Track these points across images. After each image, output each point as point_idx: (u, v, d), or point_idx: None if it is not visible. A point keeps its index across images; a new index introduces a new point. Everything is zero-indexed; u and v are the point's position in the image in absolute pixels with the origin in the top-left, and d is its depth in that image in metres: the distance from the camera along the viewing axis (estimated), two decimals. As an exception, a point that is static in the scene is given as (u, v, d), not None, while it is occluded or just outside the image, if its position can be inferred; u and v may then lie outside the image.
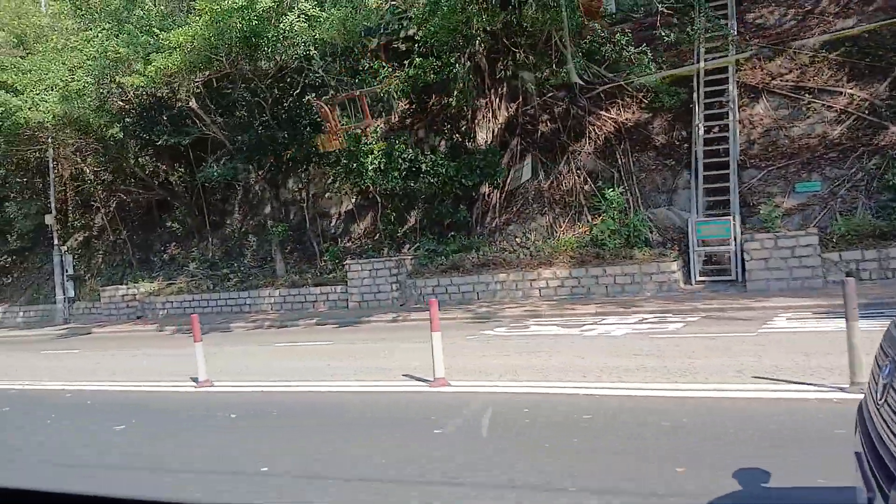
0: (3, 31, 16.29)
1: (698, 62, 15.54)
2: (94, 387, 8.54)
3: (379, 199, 18.03)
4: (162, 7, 14.48)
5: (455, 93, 17.27)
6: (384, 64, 16.59)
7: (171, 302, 19.87)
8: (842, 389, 5.07)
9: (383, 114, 19.55)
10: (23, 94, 16.21)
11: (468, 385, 6.40)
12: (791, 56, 15.91)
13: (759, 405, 5.02)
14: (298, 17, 12.21)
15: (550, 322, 11.48)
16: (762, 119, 15.45)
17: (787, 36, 16.18)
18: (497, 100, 18.05)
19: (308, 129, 16.64)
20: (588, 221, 15.52)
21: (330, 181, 20.66)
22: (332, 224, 20.27)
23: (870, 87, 14.42)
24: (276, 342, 12.18)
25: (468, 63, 16.98)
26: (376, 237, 18.97)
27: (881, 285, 11.31)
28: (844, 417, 3.35)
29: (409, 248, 17.64)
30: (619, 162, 15.91)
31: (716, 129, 15.27)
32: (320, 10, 12.68)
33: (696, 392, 5.49)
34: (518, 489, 3.69)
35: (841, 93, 14.58)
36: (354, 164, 15.91)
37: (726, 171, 14.39)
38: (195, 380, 8.12)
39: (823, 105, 14.69)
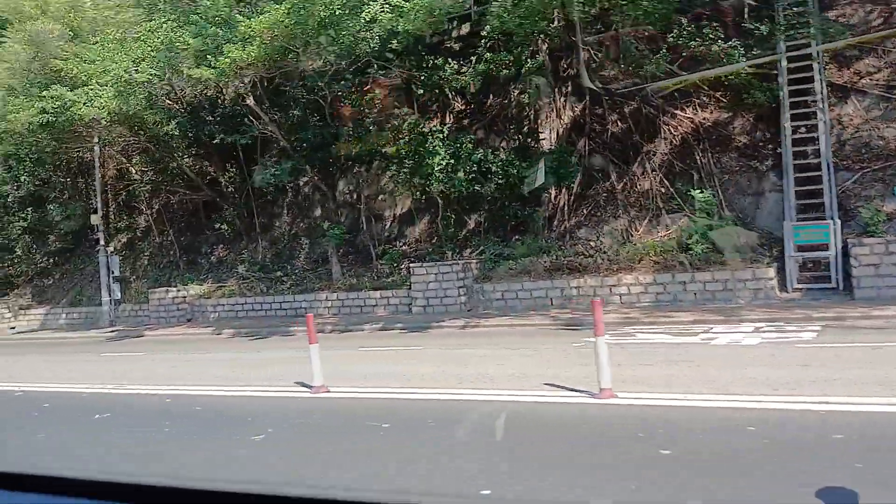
0: (59, 23, 15.90)
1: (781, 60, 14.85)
2: (195, 391, 7.97)
3: (440, 201, 17.43)
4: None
5: (524, 90, 16.71)
6: (449, 60, 16.02)
7: (223, 305, 19.37)
8: None
9: (438, 113, 19.02)
10: (78, 88, 15.83)
11: (643, 398, 5.74)
12: (879, 55, 15.19)
13: None
14: (382, 6, 11.67)
15: (651, 330, 10.79)
16: (852, 119, 14.72)
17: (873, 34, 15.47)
18: (562, 99, 17.46)
19: (373, 126, 16.10)
20: (668, 225, 14.84)
21: (384, 182, 20.16)
22: (386, 227, 19.70)
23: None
24: (360, 346, 11.57)
25: (533, 59, 16.40)
26: (434, 240, 18.37)
27: None
28: None
29: (472, 252, 17.02)
30: (699, 163, 15.24)
31: (802, 130, 14.54)
32: (405, -1, 12.10)
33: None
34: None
35: (941, 92, 13.85)
36: (419, 165, 15.32)
37: (817, 174, 13.67)
38: (305, 385, 7.54)
39: (921, 105, 13.97)
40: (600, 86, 16.41)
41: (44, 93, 15.20)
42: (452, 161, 14.90)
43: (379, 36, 12.88)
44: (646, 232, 15.13)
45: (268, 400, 7.17)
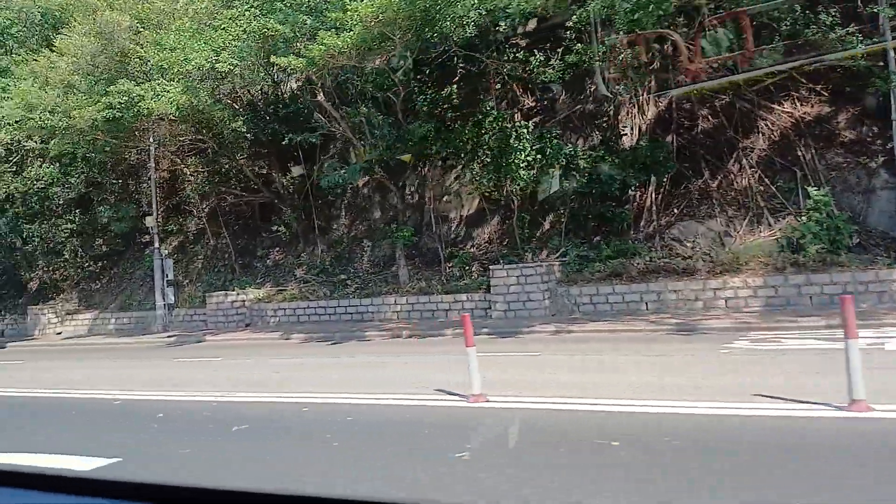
0: (129, 14, 15.32)
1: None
2: (330, 399, 7.18)
3: (515, 201, 16.62)
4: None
5: (605, 83, 15.91)
6: (534, 51, 15.25)
7: (284, 309, 18.65)
8: None
9: (507, 109, 18.23)
10: (145, 84, 15.24)
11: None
12: None
13: None
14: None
15: (792, 335, 9.88)
16: (969, 111, 13.76)
17: None
18: (644, 93, 16.62)
19: (458, 121, 15.34)
20: (770, 224, 13.93)
21: (449, 183, 19.41)
22: (452, 229, 18.92)
23: None
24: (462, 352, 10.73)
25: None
26: (505, 242, 17.56)
27: None
28: None
29: (549, 254, 16.18)
30: (803, 160, 14.32)
31: (914, 124, 13.62)
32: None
33: None
34: None
35: None
36: (503, 161, 14.51)
37: (937, 169, 12.74)
38: (446, 392, 6.75)
39: None
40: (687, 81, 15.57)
41: (111, 87, 14.61)
42: (539, 157, 14.07)
43: (476, 23, 12.12)
44: (746, 232, 14.23)
45: (429, 410, 6.35)
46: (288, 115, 17.76)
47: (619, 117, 16.95)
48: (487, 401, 6.35)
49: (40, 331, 22.93)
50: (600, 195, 15.53)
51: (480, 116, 15.04)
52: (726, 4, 13.43)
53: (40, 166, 20.43)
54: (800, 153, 14.41)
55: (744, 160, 14.95)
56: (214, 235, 21.80)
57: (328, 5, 11.60)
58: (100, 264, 23.58)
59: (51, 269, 24.22)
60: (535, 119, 18.32)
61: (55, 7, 18.51)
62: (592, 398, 6.22)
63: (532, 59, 15.08)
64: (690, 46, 15.96)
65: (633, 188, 15.23)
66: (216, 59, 13.08)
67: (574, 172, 14.67)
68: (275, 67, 13.61)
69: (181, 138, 19.04)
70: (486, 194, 17.87)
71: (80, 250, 23.62)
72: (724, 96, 15.70)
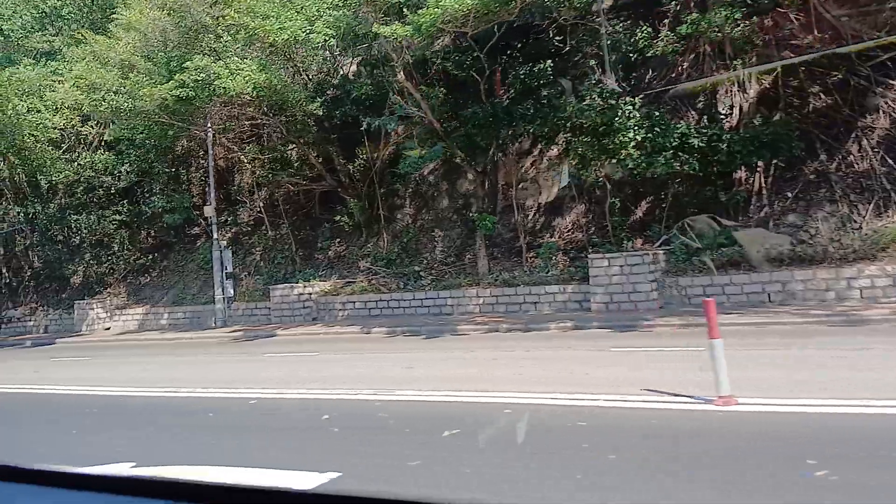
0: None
1: None
2: (530, 399, 6.21)
3: (608, 185, 15.61)
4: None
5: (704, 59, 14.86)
6: (640, 23, 14.21)
7: (353, 302, 17.72)
8: None
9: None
10: (219, 61, 14.30)
11: None
12: None
13: None
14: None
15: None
16: None
17: None
18: (745, 70, 15.55)
19: (561, 97, 14.33)
20: (902, 209, 12.87)
21: (525, 168, 18.41)
22: (528, 217, 17.91)
23: None
24: (612, 347, 9.76)
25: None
26: (591, 230, 16.56)
27: None
28: None
29: (645, 243, 15.18)
30: (936, 139, 13.26)
31: None
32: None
33: None
34: None
35: None
36: (609, 141, 13.49)
37: None
38: (679, 393, 5.78)
39: None
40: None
41: (187, 63, 13.67)
42: (650, 136, 13.05)
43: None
44: (873, 217, 13.18)
45: (676, 414, 5.36)
46: (359, 98, 16.78)
47: (718, 96, 15.92)
48: (738, 403, 5.36)
49: (88, 326, 22.10)
50: (704, 179, 14.51)
51: (583, 93, 14.02)
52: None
53: (94, 153, 19.51)
54: (930, 132, 13.36)
55: (864, 140, 13.88)
56: (272, 226, 20.86)
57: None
58: (150, 257, 22.68)
59: (97, 262, 23.37)
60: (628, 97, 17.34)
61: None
62: (865, 399, 5.23)
63: (639, 31, 14.02)
64: (799, 19, 14.94)
65: (744, 170, 14.19)
66: (310, 30, 12.11)
67: (683, 153, 13.60)
68: (365, 40, 12.64)
69: (243, 123, 18.11)
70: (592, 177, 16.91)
71: (128, 243, 22.73)
72: (836, 73, 14.63)
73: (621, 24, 14.50)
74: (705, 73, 15.78)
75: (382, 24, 11.34)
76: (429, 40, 12.08)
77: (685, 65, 16.52)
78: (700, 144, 13.09)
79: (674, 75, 16.59)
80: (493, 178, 18.68)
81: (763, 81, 15.51)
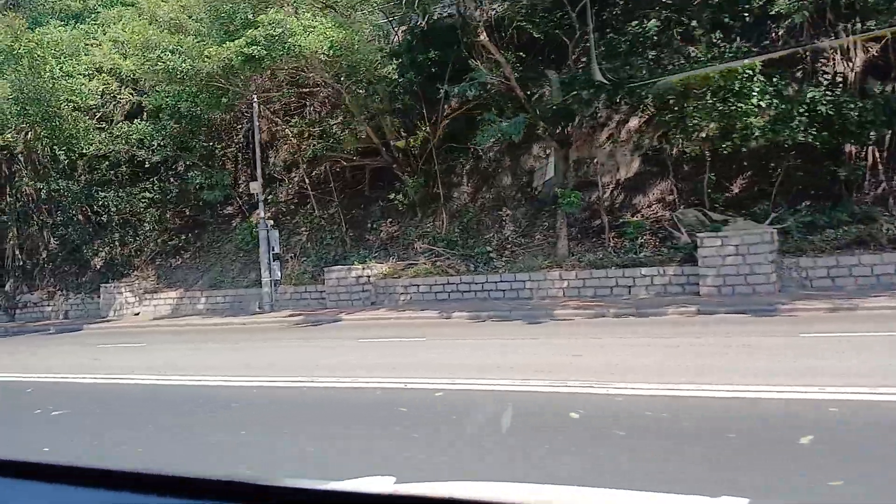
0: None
1: None
2: (801, 394, 5.04)
3: (707, 158, 14.45)
4: None
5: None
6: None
7: (417, 286, 16.47)
8: None
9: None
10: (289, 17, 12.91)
11: None
12: None
13: None
14: None
15: None
16: None
17: None
18: (852, 37, 14.41)
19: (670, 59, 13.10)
20: None
21: (600, 143, 17.19)
22: (604, 195, 16.71)
23: None
24: (801, 333, 8.62)
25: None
26: (680, 208, 15.41)
27: None
28: None
29: (747, 219, 14.05)
30: None
31: None
32: None
33: None
34: None
35: None
36: (729, 108, 12.27)
37: None
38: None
39: None
40: None
41: (260, 17, 12.28)
42: (776, 102, 11.88)
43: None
44: None
45: None
46: (429, 62, 15.45)
47: (817, 64, 14.80)
48: None
49: (116, 312, 20.64)
50: (814, 152, 13.39)
51: (695, 54, 12.81)
52: None
53: (131, 123, 17.96)
54: None
55: None
56: (320, 205, 19.50)
57: None
58: (183, 237, 21.22)
59: (122, 243, 21.87)
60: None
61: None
62: None
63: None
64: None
65: (845, 145, 13.08)
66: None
67: (808, 121, 12.39)
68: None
69: (289, 92, 16.69)
70: (650, 153, 15.78)
71: (159, 222, 21.25)
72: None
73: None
74: (802, 41, 14.64)
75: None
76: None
77: (780, 31, 15.38)
78: (829, 112, 11.93)
79: (767, 41, 15.42)
80: (566, 152, 17.45)
81: (870, 49, 14.41)
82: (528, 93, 14.63)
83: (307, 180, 19.35)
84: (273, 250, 18.11)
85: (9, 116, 15.04)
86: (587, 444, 4.32)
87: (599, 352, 8.13)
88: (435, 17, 15.68)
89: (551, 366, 7.23)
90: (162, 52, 13.18)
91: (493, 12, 13.90)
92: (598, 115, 16.39)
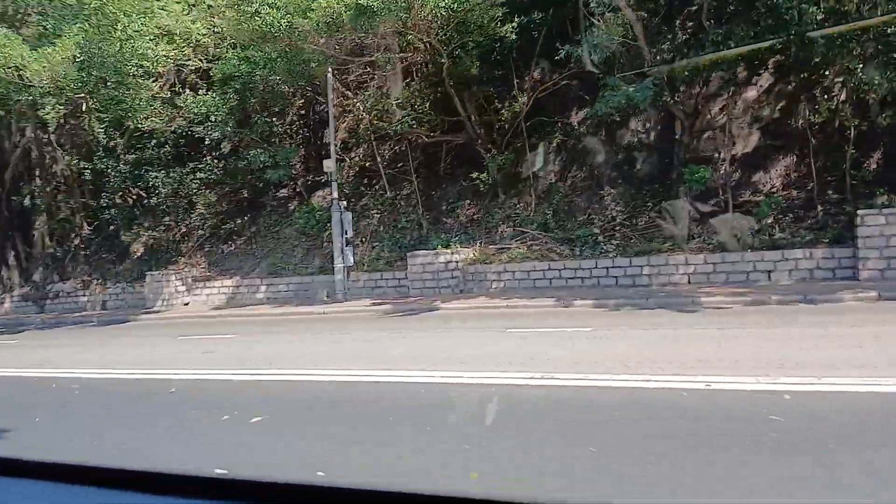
0: None
1: None
2: None
3: (852, 131, 12.98)
4: None
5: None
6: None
7: (512, 272, 14.98)
8: None
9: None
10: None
11: None
12: None
13: None
14: None
15: None
16: None
17: None
18: None
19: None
20: None
21: (713, 114, 15.68)
22: (718, 173, 15.21)
23: None
24: None
25: None
26: (809, 187, 13.96)
27: None
28: None
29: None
30: None
31: None
32: None
33: None
34: None
35: None
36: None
37: None
38: None
39: None
40: None
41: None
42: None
43: None
44: None
45: None
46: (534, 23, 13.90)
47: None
48: None
49: (164, 301, 19.05)
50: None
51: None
52: None
53: (196, 94, 16.30)
54: None
55: None
56: (391, 185, 17.94)
57: None
58: (238, 221, 19.60)
59: (166, 228, 20.25)
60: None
61: None
62: None
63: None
64: None
65: None
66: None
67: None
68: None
69: (363, 60, 15.08)
70: (771, 126, 14.28)
71: (211, 205, 19.66)
72: None
73: None
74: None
75: None
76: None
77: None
78: None
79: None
80: (692, 122, 15.91)
81: None
82: (656, 49, 13.11)
83: (378, 159, 17.76)
84: (346, 234, 16.56)
85: (68, 82, 13.39)
86: None
87: (838, 342, 6.65)
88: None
89: (816, 361, 5.76)
90: (260, 4, 11.58)
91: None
92: (711, 82, 14.90)
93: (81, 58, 12.61)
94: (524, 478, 3.51)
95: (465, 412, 5.15)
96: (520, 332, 9.39)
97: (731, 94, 15.21)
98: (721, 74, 14.60)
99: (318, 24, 11.36)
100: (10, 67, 13.42)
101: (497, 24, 12.62)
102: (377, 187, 18.25)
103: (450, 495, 1.12)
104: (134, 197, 20.10)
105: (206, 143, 18.21)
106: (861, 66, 11.34)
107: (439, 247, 15.92)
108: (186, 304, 19.25)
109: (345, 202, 17.02)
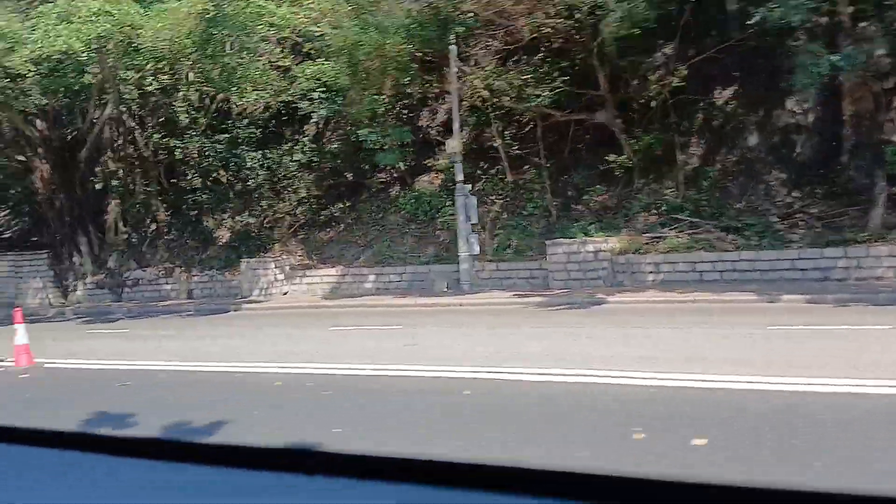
0: None
1: None
2: None
3: None
4: None
5: None
6: None
7: (673, 262, 13.40)
8: None
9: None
10: None
11: None
12: None
13: None
14: None
15: None
16: None
17: None
18: None
19: None
20: None
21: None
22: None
23: None
24: None
25: None
26: None
27: None
28: None
29: None
30: None
31: None
32: None
33: None
34: None
35: None
36: None
37: None
38: None
39: None
40: None
41: None
42: None
43: None
44: None
45: None
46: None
47: None
48: None
49: (263, 291, 17.70)
50: None
51: None
52: None
53: (314, 62, 14.84)
54: None
55: None
56: (514, 169, 16.43)
57: None
58: (339, 206, 18.18)
59: (265, 213, 18.93)
60: None
61: None
62: None
63: None
64: None
65: None
66: None
67: None
68: None
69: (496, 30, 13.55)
70: None
71: (310, 189, 18.27)
72: None
73: None
74: None
75: None
76: None
77: None
78: None
79: None
80: (834, 106, 14.27)
81: None
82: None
83: (499, 140, 16.23)
84: (470, 220, 15.08)
85: (187, 44, 11.97)
86: None
87: None
88: None
89: None
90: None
91: None
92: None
93: (211, 13, 11.21)
94: None
95: None
96: (751, 330, 7.81)
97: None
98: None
99: None
100: (126, 26, 12.04)
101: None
102: (493, 171, 16.72)
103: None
104: (224, 179, 18.75)
105: (310, 120, 16.73)
106: None
107: (580, 235, 14.38)
108: (285, 293, 17.90)
109: (469, 185, 15.51)
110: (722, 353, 6.78)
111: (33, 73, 12.98)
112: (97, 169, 22.41)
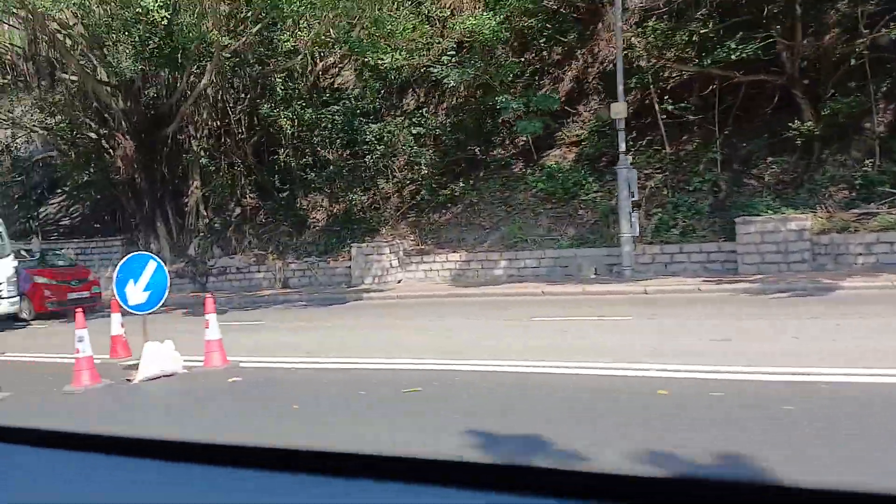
0: None
1: None
2: None
3: None
4: None
5: None
6: None
7: (890, 242, 11.51)
8: None
9: None
10: None
11: None
12: None
13: None
14: None
15: None
16: None
17: None
18: None
19: None
20: None
21: None
22: None
23: None
24: None
25: None
26: None
27: None
28: None
29: None
30: None
31: None
32: None
33: None
34: None
35: None
36: None
37: None
38: None
39: None
40: None
41: None
42: None
43: None
44: None
45: None
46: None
47: None
48: None
49: (377, 278, 16.03)
50: None
51: None
52: None
53: (472, 15, 13.05)
54: None
55: None
56: (669, 139, 14.58)
57: None
58: (460, 185, 16.45)
59: (364, 192, 17.27)
60: None
61: None
62: None
63: None
64: None
65: None
66: None
67: None
68: None
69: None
70: None
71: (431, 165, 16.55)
72: None
73: None
74: None
75: None
76: None
77: None
78: None
79: None
80: None
81: None
82: None
83: (657, 107, 14.39)
84: (632, 197, 13.29)
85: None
86: None
87: None
88: None
89: None
90: None
91: None
92: None
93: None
94: None
95: None
96: None
97: None
98: None
99: None
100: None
101: None
102: (647, 142, 14.89)
103: None
104: (331, 156, 17.07)
105: (447, 85, 14.95)
106: None
107: (766, 212, 12.53)
108: (399, 281, 16.26)
109: (630, 157, 13.71)
110: None
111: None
112: (183, 146, 20.90)
